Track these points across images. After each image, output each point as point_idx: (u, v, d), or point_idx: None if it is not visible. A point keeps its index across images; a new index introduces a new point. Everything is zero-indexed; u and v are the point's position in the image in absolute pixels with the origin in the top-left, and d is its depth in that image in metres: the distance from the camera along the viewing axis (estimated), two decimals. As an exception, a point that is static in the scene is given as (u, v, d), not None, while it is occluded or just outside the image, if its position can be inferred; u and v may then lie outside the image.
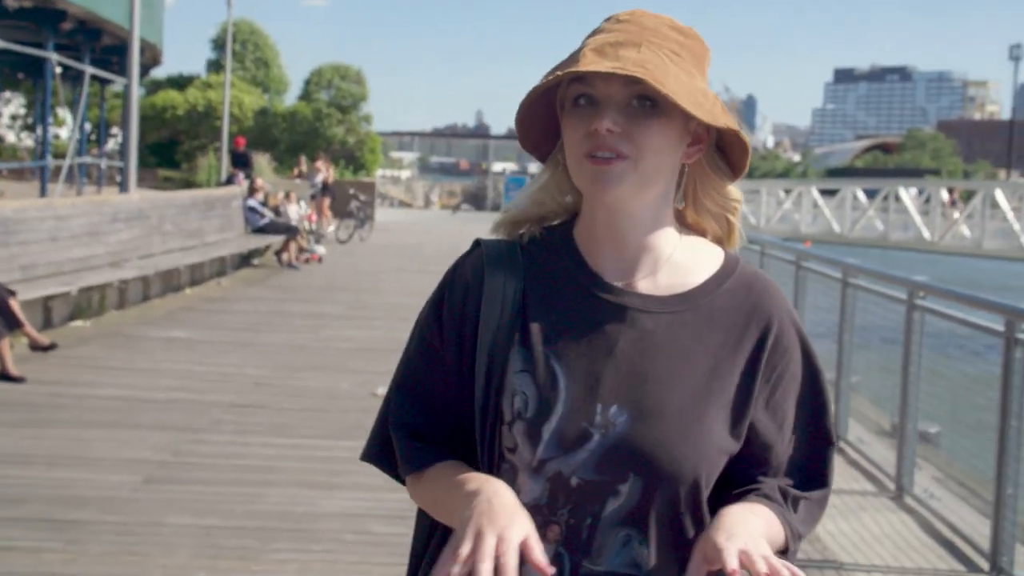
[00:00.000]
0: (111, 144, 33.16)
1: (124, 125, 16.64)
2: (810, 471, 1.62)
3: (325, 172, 24.21)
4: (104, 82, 23.71)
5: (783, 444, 1.59)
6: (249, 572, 4.74)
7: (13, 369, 8.13)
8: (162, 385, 8.28)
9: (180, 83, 40.98)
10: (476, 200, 48.37)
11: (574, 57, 1.50)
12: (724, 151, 1.60)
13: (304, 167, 26.65)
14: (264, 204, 18.50)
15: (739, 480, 1.58)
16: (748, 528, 1.44)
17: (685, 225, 1.64)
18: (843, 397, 7.37)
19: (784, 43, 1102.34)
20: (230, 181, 22.01)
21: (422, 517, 1.66)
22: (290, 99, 43.30)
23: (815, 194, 36.02)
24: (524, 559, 1.36)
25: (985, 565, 5.11)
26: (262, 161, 29.55)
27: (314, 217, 20.61)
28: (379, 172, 45.69)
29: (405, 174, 63.71)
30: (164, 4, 26.32)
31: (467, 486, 1.47)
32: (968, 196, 34.36)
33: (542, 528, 1.48)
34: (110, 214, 12.57)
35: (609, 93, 1.48)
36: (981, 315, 5.73)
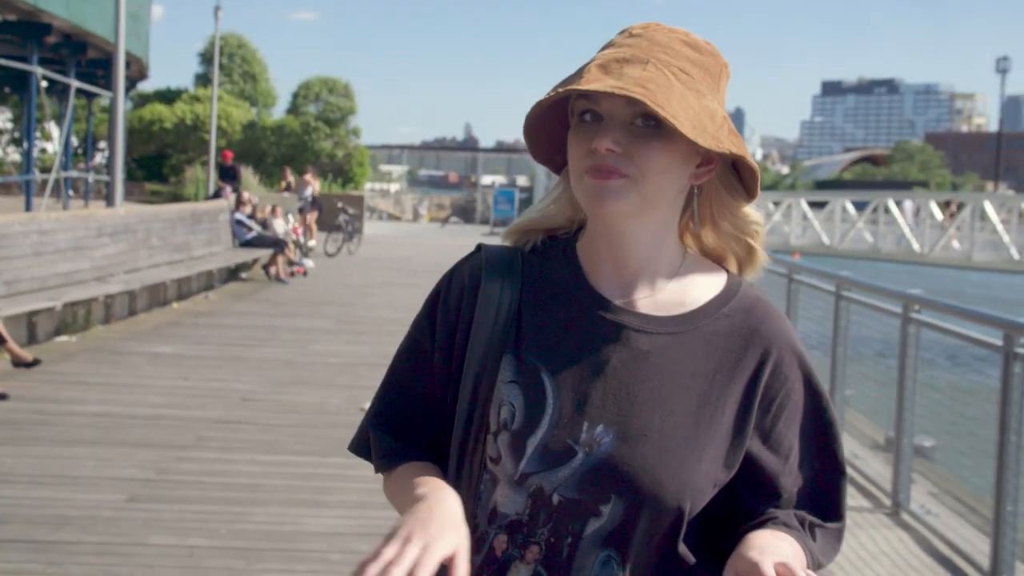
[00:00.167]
0: (98, 158, 33.03)
1: (110, 139, 16.54)
2: (822, 503, 1.57)
3: (314, 185, 24.13)
4: (91, 96, 23.60)
5: (790, 475, 1.55)
6: (234, 594, 4.64)
7: (-4, 386, 8.01)
8: (148, 401, 8.16)
9: (168, 97, 40.90)
10: (465, 213, 48.30)
11: (580, 72, 1.47)
12: (739, 171, 1.55)
13: (291, 178, 26.56)
14: (252, 217, 18.39)
15: (748, 512, 1.54)
16: (780, 548, 1.42)
17: (704, 248, 1.60)
18: (837, 411, 7.28)
19: (772, 56, 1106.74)
20: (217, 195, 21.90)
21: None
22: (278, 112, 43.26)
23: (804, 206, 35.99)
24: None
25: (984, 583, 5.03)
26: (248, 175, 29.45)
27: (299, 231, 20.48)
28: (368, 185, 45.61)
29: (394, 187, 63.55)
30: (151, 18, 26.22)
31: (417, 490, 1.45)
32: (957, 208, 34.35)
33: (522, 547, 1.48)
34: (95, 228, 12.46)
35: (612, 111, 1.45)
36: (977, 328, 5.65)
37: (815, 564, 1.52)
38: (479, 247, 1.63)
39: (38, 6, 16.58)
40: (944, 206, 34.73)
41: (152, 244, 14.21)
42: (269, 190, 28.55)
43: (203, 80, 40.92)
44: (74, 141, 32.07)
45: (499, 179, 64.41)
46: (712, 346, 1.52)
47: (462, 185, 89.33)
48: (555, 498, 1.47)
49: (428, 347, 1.60)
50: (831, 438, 1.58)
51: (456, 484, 1.50)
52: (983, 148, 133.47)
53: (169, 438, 7.08)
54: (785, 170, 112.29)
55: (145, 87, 40.72)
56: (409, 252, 24.99)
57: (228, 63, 42.23)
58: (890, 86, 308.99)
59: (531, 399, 1.50)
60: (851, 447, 7.31)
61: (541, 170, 25.35)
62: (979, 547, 5.30)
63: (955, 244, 32.22)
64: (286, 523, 5.49)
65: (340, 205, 23.90)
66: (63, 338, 10.79)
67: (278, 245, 17.71)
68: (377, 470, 1.62)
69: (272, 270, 17.52)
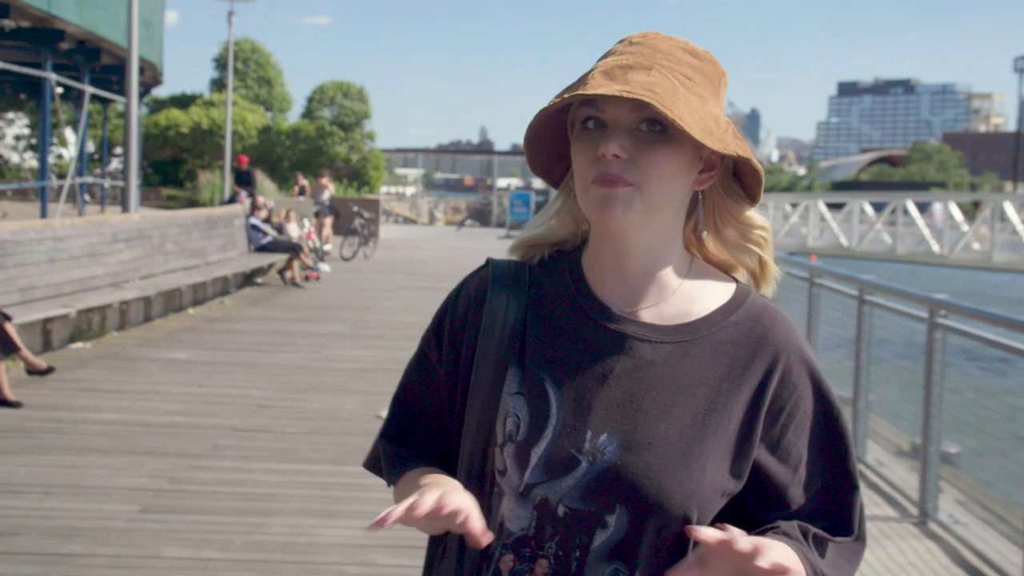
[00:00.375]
0: (115, 163, 33.07)
1: (124, 145, 16.51)
2: (834, 516, 1.53)
3: (330, 189, 24.08)
4: (106, 102, 23.61)
5: (799, 486, 1.52)
6: (248, 608, 4.54)
7: (10, 394, 7.95)
8: (162, 409, 8.09)
9: (183, 102, 40.98)
10: (481, 216, 48.25)
11: (583, 79, 1.47)
12: (740, 177, 1.55)
13: (303, 183, 26.52)
14: (267, 222, 18.35)
15: (756, 524, 1.51)
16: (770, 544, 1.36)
17: (711, 258, 1.59)
18: (861, 417, 7.16)
19: (787, 57, 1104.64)
20: (233, 200, 21.87)
21: (431, 545, 1.63)
22: (293, 117, 43.27)
23: (822, 207, 35.83)
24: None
25: (1016, 595, 4.90)
26: (264, 180, 29.44)
27: (313, 235, 20.43)
28: (384, 189, 45.62)
29: (410, 191, 63.57)
30: (164, 23, 26.22)
31: (423, 479, 1.50)
32: (974, 207, 34.14)
33: (530, 562, 1.47)
34: (110, 234, 12.41)
35: (617, 117, 1.45)
36: (1004, 333, 5.53)
37: (817, 575, 1.46)
38: (488, 261, 1.64)
39: (51, 12, 16.57)
40: (971, 207, 34.51)
41: (167, 250, 14.16)
42: (284, 195, 28.52)
43: (218, 85, 40.98)
44: (91, 147, 32.19)
45: (515, 182, 64.32)
46: (719, 354, 1.51)
47: (478, 188, 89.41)
48: (560, 509, 1.46)
49: (436, 361, 1.61)
50: (842, 449, 1.54)
51: None
52: (1001, 148, 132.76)
53: (183, 446, 7.00)
54: (802, 171, 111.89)
55: (160, 92, 40.82)
56: (425, 255, 24.91)
57: (243, 68, 42.27)
58: (906, 86, 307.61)
59: (535, 410, 1.50)
60: (875, 454, 7.19)
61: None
62: (1010, 558, 5.17)
63: (975, 245, 32.00)
64: (302, 534, 5.40)
65: (355, 209, 23.84)
66: (78, 345, 10.74)
67: (293, 250, 17.65)
68: (387, 480, 1.64)
69: (288, 275, 17.47)
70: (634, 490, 1.44)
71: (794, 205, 38.07)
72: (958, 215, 33.43)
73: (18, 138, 39.01)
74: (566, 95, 1.44)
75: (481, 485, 1.52)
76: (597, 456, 1.46)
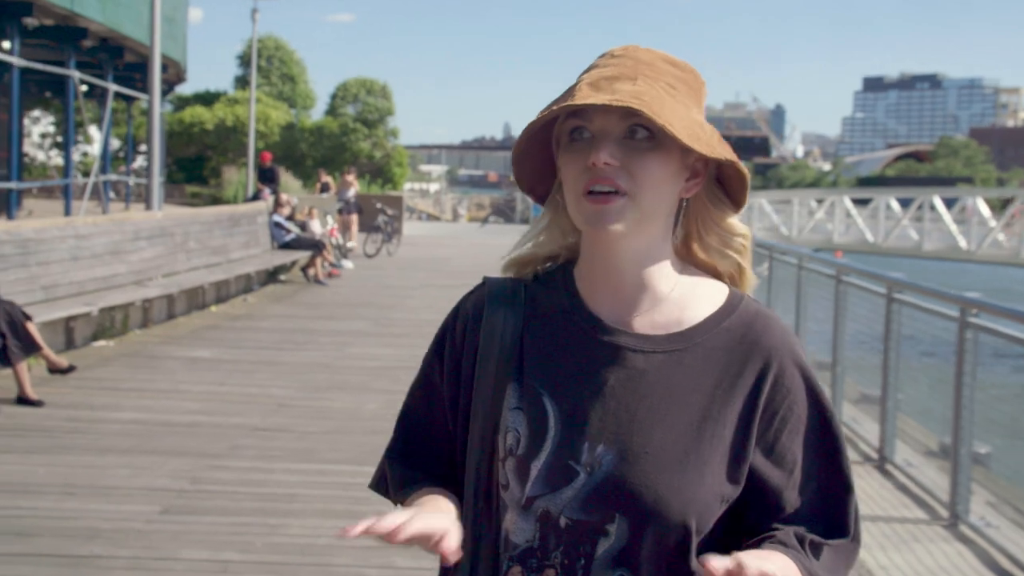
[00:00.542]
0: (139, 161, 33.18)
1: (148, 142, 16.52)
2: (829, 518, 1.53)
3: (356, 187, 24.06)
4: (129, 99, 23.66)
5: (794, 489, 1.53)
6: (267, 612, 4.49)
7: (31, 392, 7.94)
8: (183, 408, 8.06)
9: (208, 99, 41.08)
10: (505, 212, 48.12)
11: (569, 92, 1.49)
12: (723, 184, 1.57)
13: (325, 179, 26.50)
14: (291, 219, 18.33)
15: (752, 528, 1.52)
16: (764, 561, 1.37)
17: (696, 264, 1.61)
18: (889, 417, 7.05)
19: (812, 52, 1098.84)
20: (256, 197, 21.89)
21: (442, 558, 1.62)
22: (316, 114, 43.31)
23: (848, 203, 35.56)
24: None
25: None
26: (288, 177, 29.46)
27: (335, 232, 20.40)
28: (407, 185, 45.62)
29: (434, 187, 63.60)
30: (187, 21, 26.26)
31: (419, 501, 1.54)
32: (1004, 204, 33.84)
33: (537, 573, 1.50)
34: (132, 232, 12.41)
35: (606, 127, 1.47)
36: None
37: None
38: (484, 280, 1.66)
39: (74, 10, 16.59)
40: (999, 204, 34.18)
41: (190, 247, 14.16)
42: (308, 192, 28.53)
43: (242, 82, 41.02)
44: (116, 144, 32.30)
45: (538, 178, 64.07)
46: (712, 361, 1.52)
47: (501, 184, 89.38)
48: (562, 520, 1.48)
49: (438, 380, 1.64)
50: (836, 451, 1.55)
51: (474, 513, 1.55)
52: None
53: (204, 446, 6.97)
54: (827, 167, 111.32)
55: (185, 90, 40.96)
56: (449, 252, 24.87)
57: (266, 65, 42.34)
58: (933, 81, 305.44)
59: (534, 424, 1.52)
60: (904, 454, 7.07)
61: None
62: (1044, 561, 5.06)
63: (1002, 239, 31.69)
64: (321, 536, 5.34)
65: (379, 206, 23.80)
66: (101, 343, 10.74)
67: (316, 247, 17.63)
68: (393, 501, 1.66)
69: (311, 272, 17.45)
70: (632, 499, 1.46)
71: (819, 201, 37.82)
72: (985, 211, 33.13)
73: (44, 136, 39.21)
74: (554, 107, 1.47)
75: (488, 499, 1.55)
76: (595, 467, 1.48)
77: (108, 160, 22.16)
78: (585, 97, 1.45)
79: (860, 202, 36.57)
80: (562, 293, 1.60)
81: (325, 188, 26.28)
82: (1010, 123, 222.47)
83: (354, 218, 23.15)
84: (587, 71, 1.52)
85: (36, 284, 9.94)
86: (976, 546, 5.53)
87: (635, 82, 1.46)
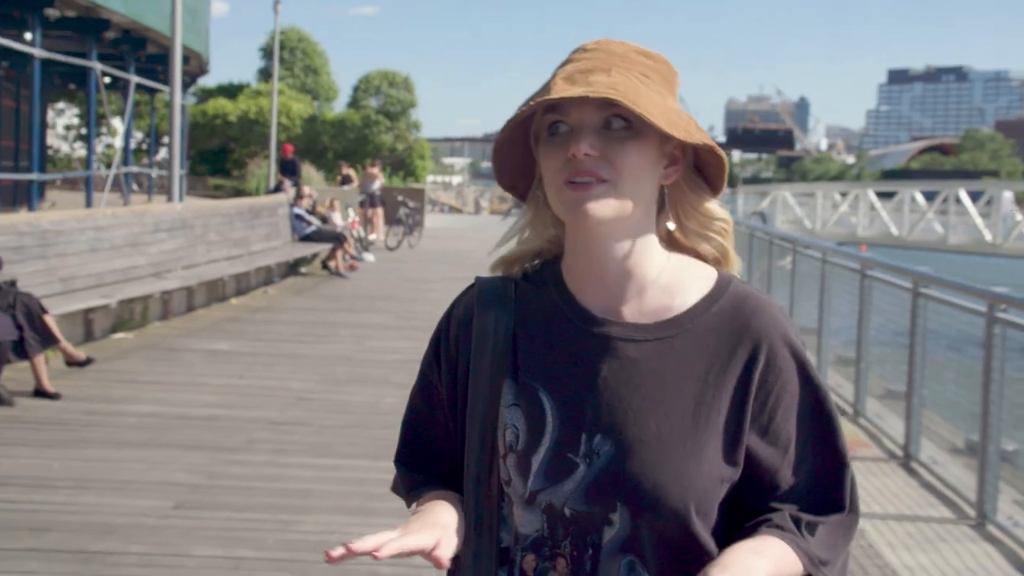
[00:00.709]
0: (162, 153, 33.24)
1: (169, 134, 16.50)
2: (824, 495, 1.55)
3: (380, 179, 24.01)
4: (152, 91, 23.65)
5: (789, 468, 1.54)
6: (279, 610, 4.42)
7: (49, 385, 7.92)
8: (201, 401, 8.01)
9: (231, 91, 41.17)
10: (527, 205, 48.04)
11: (545, 87, 1.50)
12: (701, 170, 1.59)
13: (347, 171, 26.46)
14: (312, 212, 18.29)
15: (750, 509, 1.54)
16: (748, 568, 1.40)
17: (680, 250, 1.62)
18: (914, 413, 6.93)
19: (836, 44, 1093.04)
20: (278, 189, 21.87)
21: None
22: (339, 106, 43.31)
23: (872, 197, 35.27)
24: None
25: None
26: (310, 169, 29.44)
27: (356, 224, 20.34)
28: (430, 178, 45.61)
29: (456, 180, 63.56)
30: (210, 13, 26.24)
31: (423, 507, 1.55)
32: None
33: (550, 560, 1.53)
34: (152, 224, 12.38)
35: (583, 119, 1.49)
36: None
37: (814, 562, 1.49)
38: (475, 281, 1.68)
39: (96, 2, 16.54)
40: None
41: (210, 239, 14.12)
42: (330, 184, 28.51)
43: (265, 75, 41.11)
44: (139, 136, 32.34)
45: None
46: (703, 346, 1.54)
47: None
48: (567, 512, 1.51)
49: (437, 383, 1.66)
50: (830, 429, 1.56)
51: (476, 510, 1.56)
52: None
53: (220, 440, 6.91)
54: (851, 160, 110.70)
55: (208, 82, 41.06)
56: (470, 245, 24.78)
57: (289, 57, 42.39)
58: (958, 73, 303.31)
59: (532, 420, 1.54)
60: (929, 451, 6.95)
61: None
62: (1073, 563, 4.94)
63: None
64: (335, 532, 5.27)
65: (400, 198, 23.74)
66: (120, 335, 10.72)
67: (337, 239, 17.58)
68: (407, 504, 1.68)
69: (332, 264, 17.41)
70: (631, 488, 1.48)
71: (843, 194, 37.53)
72: (1011, 204, 32.77)
73: (68, 128, 39.34)
74: (532, 102, 1.48)
75: (491, 496, 1.57)
76: (594, 458, 1.51)
77: (130, 152, 22.16)
78: (561, 91, 1.46)
79: (884, 195, 36.25)
80: (551, 288, 1.62)
81: (346, 180, 26.25)
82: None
83: (379, 211, 23.07)
84: (561, 66, 1.54)
85: (54, 276, 9.92)
86: (1004, 546, 5.41)
87: (609, 74, 1.48)
